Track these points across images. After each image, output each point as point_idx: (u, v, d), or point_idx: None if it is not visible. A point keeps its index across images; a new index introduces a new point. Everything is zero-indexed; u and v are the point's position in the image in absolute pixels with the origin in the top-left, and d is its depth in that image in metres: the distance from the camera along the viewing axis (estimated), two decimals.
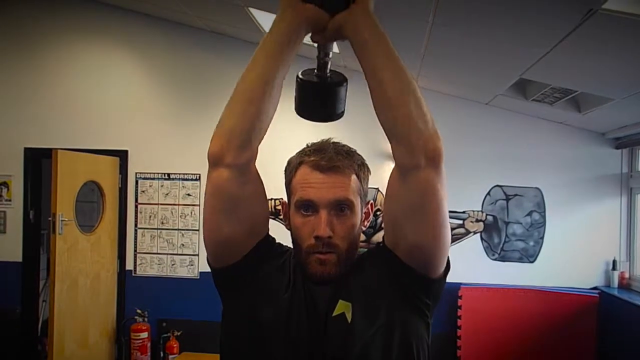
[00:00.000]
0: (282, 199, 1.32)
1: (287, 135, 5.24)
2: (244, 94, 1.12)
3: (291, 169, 1.28)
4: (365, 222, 1.30)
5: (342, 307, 1.21)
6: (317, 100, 1.30)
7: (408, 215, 1.14)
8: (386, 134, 1.11)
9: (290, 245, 1.30)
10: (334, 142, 1.29)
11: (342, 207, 1.21)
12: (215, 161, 1.14)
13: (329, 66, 1.27)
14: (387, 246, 1.22)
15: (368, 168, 1.30)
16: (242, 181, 1.16)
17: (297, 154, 1.30)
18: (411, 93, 1.07)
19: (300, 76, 1.28)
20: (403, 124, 1.07)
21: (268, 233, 1.29)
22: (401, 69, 1.08)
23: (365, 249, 1.31)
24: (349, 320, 1.19)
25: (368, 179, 1.30)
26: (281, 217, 1.32)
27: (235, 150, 1.11)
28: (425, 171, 1.08)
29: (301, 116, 1.30)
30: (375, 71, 1.09)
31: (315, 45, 1.22)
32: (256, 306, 1.23)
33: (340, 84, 1.28)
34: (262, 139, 1.17)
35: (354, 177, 1.24)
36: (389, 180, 1.17)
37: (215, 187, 1.16)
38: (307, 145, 1.30)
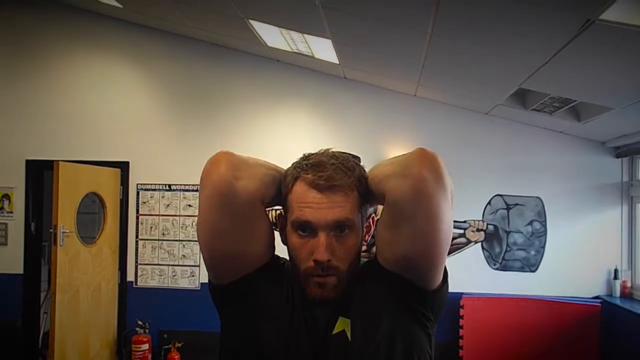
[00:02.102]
0: (281, 209, 1.27)
1: (288, 142, 5.28)
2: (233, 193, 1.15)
3: (287, 183, 1.20)
4: (367, 237, 1.25)
5: (342, 325, 1.18)
6: None
7: (397, 225, 1.10)
8: None
9: (285, 256, 1.26)
10: (332, 155, 1.20)
11: (342, 227, 1.15)
12: (222, 181, 1.11)
13: None
14: (379, 261, 1.19)
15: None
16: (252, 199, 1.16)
17: (293, 165, 1.21)
18: (409, 183, 1.08)
19: None
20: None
21: (274, 254, 1.25)
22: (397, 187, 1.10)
23: (366, 259, 1.28)
24: (349, 337, 1.17)
25: (368, 190, 1.22)
26: (278, 228, 1.27)
27: (244, 184, 1.15)
28: (421, 173, 1.04)
29: None
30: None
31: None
32: (255, 325, 1.19)
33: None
34: None
35: (354, 193, 1.17)
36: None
37: (227, 194, 1.11)
38: (303, 155, 1.22)
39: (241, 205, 1.13)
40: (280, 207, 1.26)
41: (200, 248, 1.20)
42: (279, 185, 1.21)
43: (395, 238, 1.12)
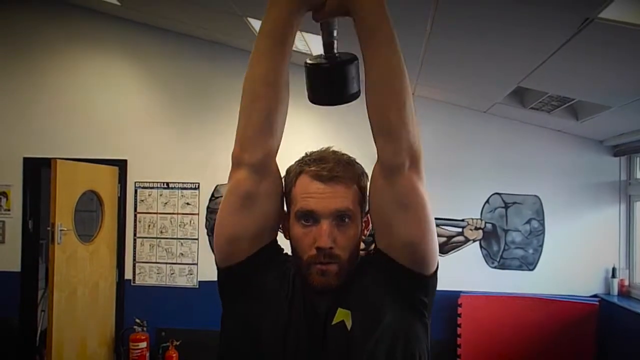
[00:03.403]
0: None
1: (286, 139, 5.26)
2: (249, 92, 1.17)
3: (291, 179, 1.26)
4: (365, 231, 1.29)
5: (342, 315, 1.20)
6: (329, 83, 1.27)
7: (396, 213, 1.16)
8: (375, 130, 1.14)
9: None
10: (333, 151, 1.28)
11: (343, 217, 1.21)
12: (235, 162, 1.19)
13: (335, 46, 1.24)
14: (380, 249, 1.22)
15: (368, 177, 1.28)
16: (257, 179, 1.18)
17: (296, 162, 1.28)
18: (404, 86, 1.11)
19: (308, 61, 1.27)
20: (395, 118, 1.10)
21: (276, 238, 1.29)
22: (398, 56, 1.11)
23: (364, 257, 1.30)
24: (349, 328, 1.19)
25: (368, 188, 1.27)
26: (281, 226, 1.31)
27: (250, 149, 1.16)
28: (409, 171, 1.12)
29: (315, 103, 1.29)
30: (374, 55, 1.10)
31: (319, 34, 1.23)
32: (255, 315, 1.22)
33: (350, 62, 1.25)
34: (278, 134, 1.19)
35: (354, 186, 1.23)
36: (371, 177, 1.20)
37: (234, 185, 1.19)
38: (306, 154, 1.28)
39: (262, 187, 1.20)
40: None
41: (216, 231, 1.24)
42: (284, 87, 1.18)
43: (394, 224, 1.17)
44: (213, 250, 1.30)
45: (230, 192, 1.20)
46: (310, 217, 1.21)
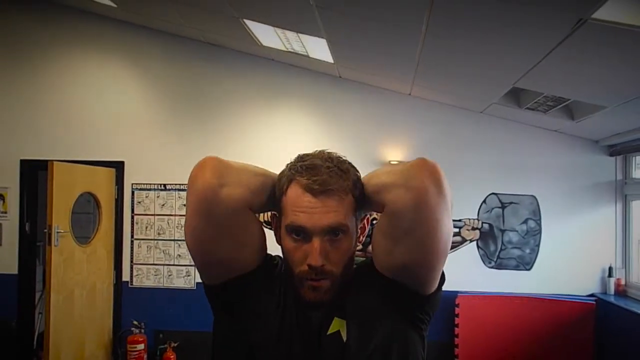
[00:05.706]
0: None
1: (283, 140, 5.28)
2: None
3: (282, 185, 1.19)
4: (361, 238, 1.25)
5: (337, 325, 1.18)
6: None
7: (397, 236, 1.11)
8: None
9: (278, 253, 1.27)
10: (327, 158, 1.19)
11: (336, 232, 1.15)
12: (221, 182, 1.11)
13: None
14: (375, 266, 1.20)
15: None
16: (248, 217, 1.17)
17: (288, 167, 1.20)
18: (400, 197, 1.09)
19: None
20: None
21: (266, 255, 1.26)
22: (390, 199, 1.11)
23: (362, 259, 1.28)
24: (345, 338, 1.17)
25: (363, 193, 1.21)
26: (272, 227, 1.27)
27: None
28: (424, 185, 1.05)
29: None
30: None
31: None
32: (246, 327, 1.20)
33: None
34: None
35: (348, 196, 1.16)
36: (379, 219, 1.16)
37: (211, 202, 1.09)
38: (298, 156, 1.22)
39: (225, 214, 1.12)
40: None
41: (189, 251, 1.20)
42: (271, 191, 1.20)
43: (394, 248, 1.12)
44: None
45: (214, 212, 1.11)
46: (301, 232, 1.15)
